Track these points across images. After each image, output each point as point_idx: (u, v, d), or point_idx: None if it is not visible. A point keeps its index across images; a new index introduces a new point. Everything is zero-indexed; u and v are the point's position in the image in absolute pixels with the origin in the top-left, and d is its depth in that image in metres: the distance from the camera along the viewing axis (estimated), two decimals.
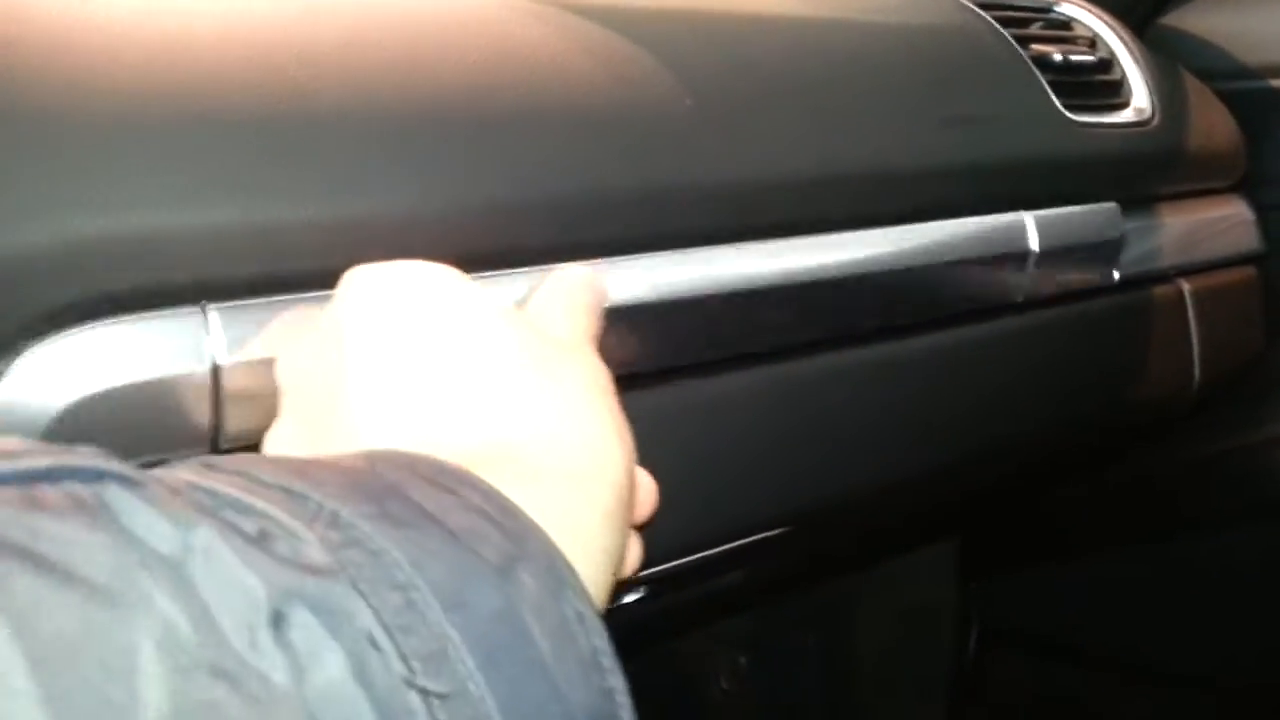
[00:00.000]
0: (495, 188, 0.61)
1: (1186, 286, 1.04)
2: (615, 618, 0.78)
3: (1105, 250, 0.95)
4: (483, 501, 0.33)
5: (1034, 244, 0.88)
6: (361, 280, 0.45)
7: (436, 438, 0.38)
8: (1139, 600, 1.34)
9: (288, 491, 0.30)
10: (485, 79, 0.64)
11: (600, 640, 0.32)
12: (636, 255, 0.67)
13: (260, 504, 0.29)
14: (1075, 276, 0.93)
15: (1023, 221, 0.88)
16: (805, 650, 1.60)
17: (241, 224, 0.54)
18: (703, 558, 0.76)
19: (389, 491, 0.31)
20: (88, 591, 0.24)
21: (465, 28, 0.66)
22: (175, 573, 0.25)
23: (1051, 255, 0.89)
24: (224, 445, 0.54)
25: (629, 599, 0.74)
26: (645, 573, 0.69)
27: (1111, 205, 0.95)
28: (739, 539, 0.77)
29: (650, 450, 0.68)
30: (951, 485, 1.06)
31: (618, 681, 0.31)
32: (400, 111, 0.60)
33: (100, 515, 0.26)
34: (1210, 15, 1.16)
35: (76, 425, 0.51)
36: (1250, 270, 1.12)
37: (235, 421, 0.54)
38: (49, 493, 0.25)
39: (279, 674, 0.25)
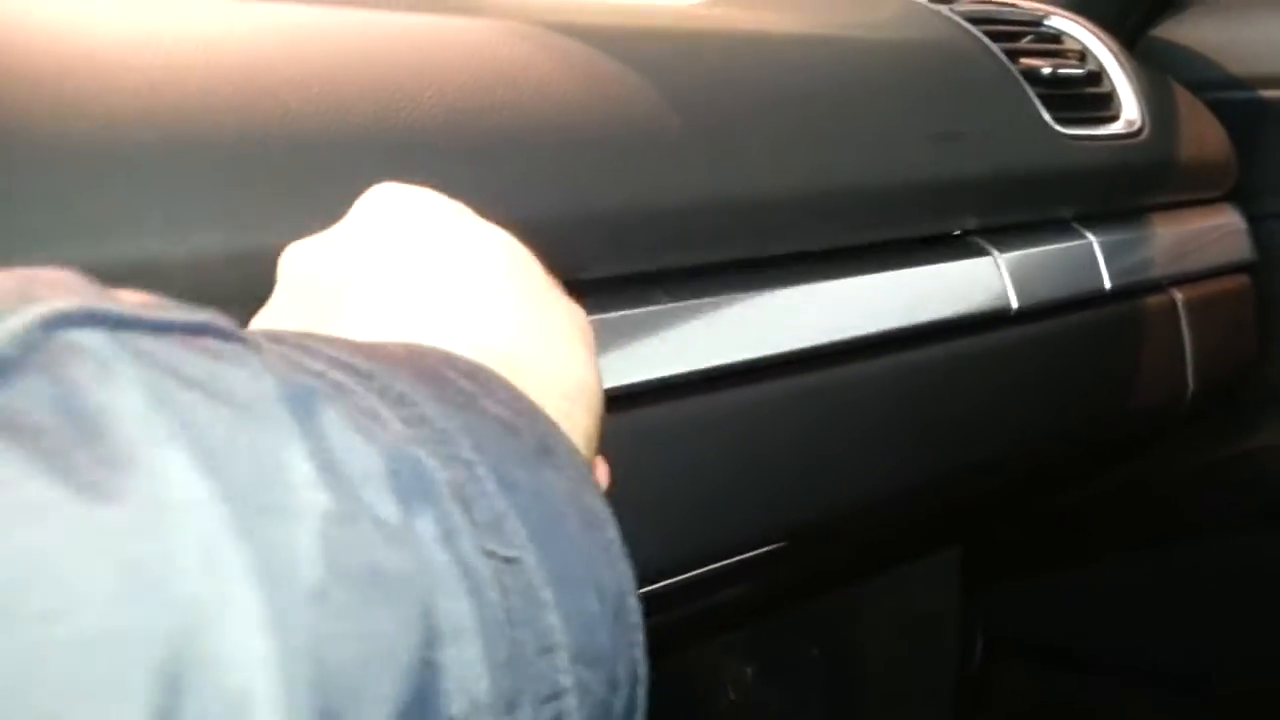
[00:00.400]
0: (481, 212, 0.62)
1: (1179, 296, 1.05)
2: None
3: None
4: (511, 399, 0.35)
5: (1013, 303, 0.89)
6: (383, 192, 0.46)
7: (443, 341, 0.40)
8: (1140, 606, 1.34)
9: (354, 369, 0.31)
10: (473, 101, 0.65)
11: (614, 533, 0.34)
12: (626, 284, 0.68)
13: (340, 376, 0.30)
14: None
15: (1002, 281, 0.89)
16: (810, 661, 1.60)
17: (226, 251, 0.55)
18: (704, 573, 0.77)
19: (440, 377, 0.34)
20: (258, 417, 0.26)
21: (453, 50, 0.67)
22: (310, 421, 0.27)
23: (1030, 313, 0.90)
24: None
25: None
26: (647, 588, 0.70)
27: (1087, 243, 0.96)
28: (739, 554, 0.78)
29: (650, 467, 0.69)
30: (950, 496, 1.06)
31: (628, 570, 0.34)
32: (388, 135, 0.61)
33: (247, 364, 0.28)
34: (1200, 27, 1.17)
35: None
36: (1243, 279, 1.12)
37: None
38: (208, 342, 0.27)
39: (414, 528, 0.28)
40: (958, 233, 0.90)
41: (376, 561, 0.26)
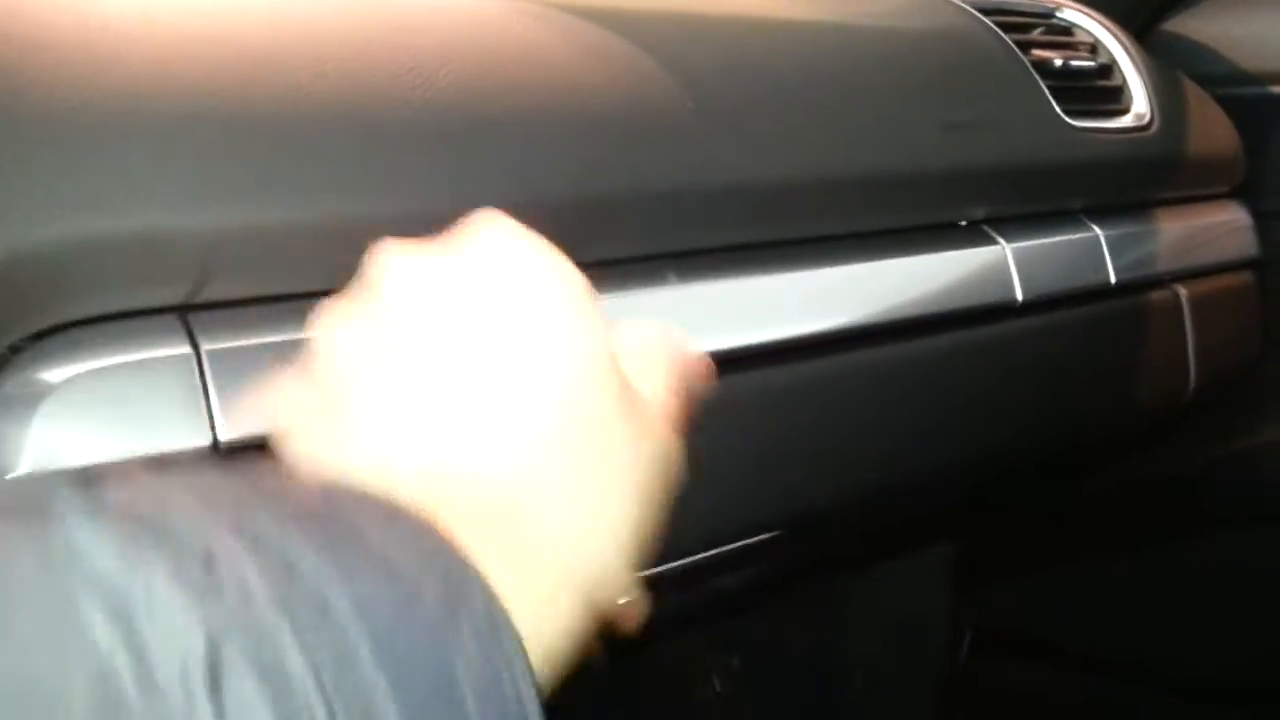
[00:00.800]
0: (494, 191, 0.61)
1: (1183, 292, 1.04)
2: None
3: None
4: (434, 546, 0.32)
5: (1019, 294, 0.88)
6: (407, 266, 0.40)
7: (448, 459, 0.36)
8: (1131, 604, 1.34)
9: (237, 516, 0.29)
10: (488, 81, 0.63)
11: (529, 692, 0.30)
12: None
13: (209, 528, 0.28)
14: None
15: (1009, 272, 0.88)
16: (797, 653, 1.60)
17: (240, 226, 0.54)
18: (698, 560, 0.76)
19: (342, 527, 0.31)
20: (28, 616, 0.24)
21: (469, 30, 0.66)
22: (118, 605, 0.25)
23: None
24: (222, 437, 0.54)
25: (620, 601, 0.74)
26: (642, 573, 0.69)
27: (1093, 235, 0.95)
28: (733, 542, 0.77)
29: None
30: (945, 489, 1.06)
31: None
32: (403, 114, 0.60)
33: (51, 541, 0.26)
34: (1211, 21, 1.16)
35: (74, 419, 0.51)
36: (1247, 276, 1.12)
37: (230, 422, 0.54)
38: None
39: None
40: (965, 222, 0.89)
41: None
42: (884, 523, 1.06)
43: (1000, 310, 0.89)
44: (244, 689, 0.25)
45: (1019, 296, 0.89)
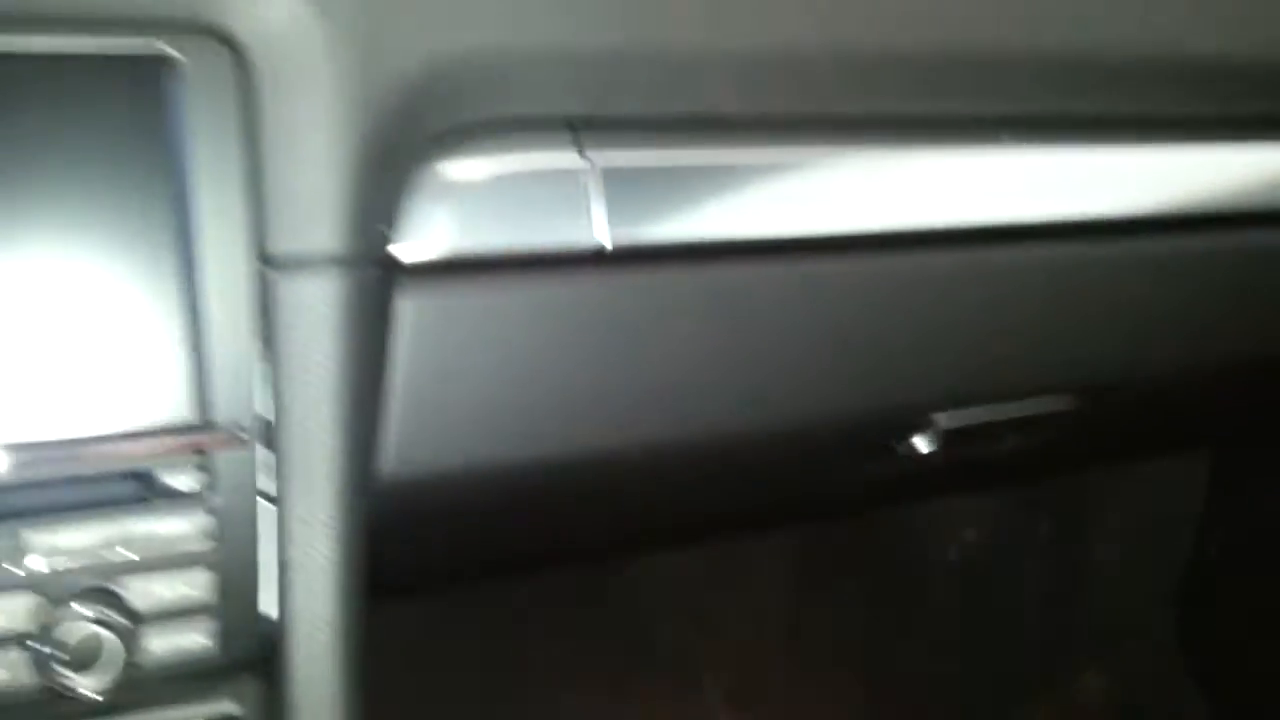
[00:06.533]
0: (853, 35, 0.65)
1: None
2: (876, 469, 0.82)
3: None
4: None
5: None
6: None
7: None
8: None
9: None
10: None
11: None
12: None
13: None
14: None
15: None
16: (1036, 535, 1.62)
17: (626, 51, 0.61)
18: (990, 420, 0.80)
19: None
20: None
21: None
22: None
23: None
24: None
25: (923, 446, 0.79)
26: (944, 420, 0.74)
27: None
28: (1029, 400, 0.81)
29: (969, 305, 0.72)
30: (1222, 387, 1.05)
31: None
32: None
33: None
34: None
35: (476, 207, 0.59)
36: None
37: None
38: None
39: None
40: None
41: None
42: (1157, 413, 1.07)
43: None
44: None
45: None
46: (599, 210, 0.61)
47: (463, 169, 0.59)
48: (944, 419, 0.76)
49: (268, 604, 0.55)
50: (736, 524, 1.04)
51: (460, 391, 0.60)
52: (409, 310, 0.58)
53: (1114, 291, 0.79)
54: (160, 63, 0.51)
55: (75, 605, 0.51)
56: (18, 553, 0.50)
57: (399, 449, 0.59)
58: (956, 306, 0.72)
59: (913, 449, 0.78)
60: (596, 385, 0.64)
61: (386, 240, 0.57)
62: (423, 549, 0.74)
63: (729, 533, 1.20)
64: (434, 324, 0.59)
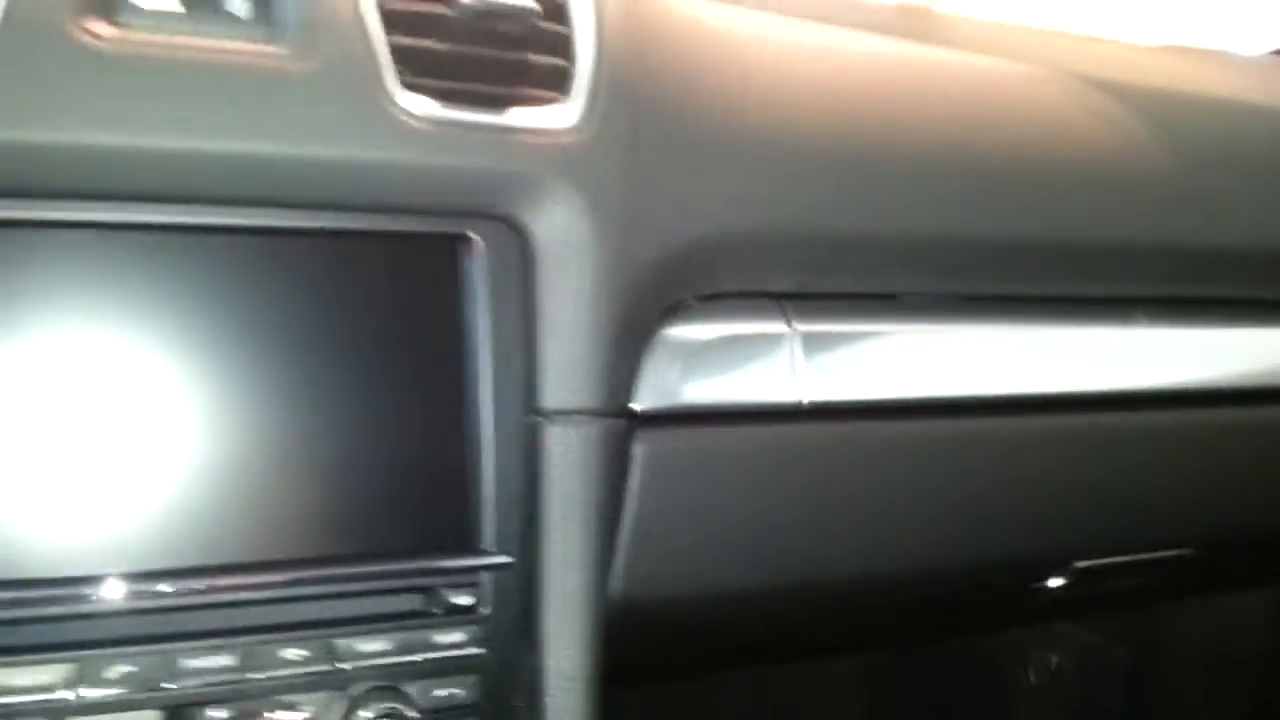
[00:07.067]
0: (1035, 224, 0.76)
1: None
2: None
3: None
4: None
5: None
6: None
7: None
8: None
9: None
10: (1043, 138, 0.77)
11: None
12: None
13: None
14: None
15: None
16: (1114, 661, 1.67)
17: (836, 233, 0.71)
18: (1102, 563, 0.88)
19: None
20: None
21: (1012, 93, 0.80)
22: None
23: None
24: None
25: (1054, 584, 0.87)
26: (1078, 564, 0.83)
27: None
28: (1143, 553, 0.89)
29: (1099, 468, 0.81)
30: None
31: None
32: (958, 155, 0.75)
33: None
34: None
35: (703, 365, 0.69)
36: None
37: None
38: None
39: None
40: None
41: None
42: (1268, 559, 1.15)
43: None
44: None
45: None
46: (799, 371, 0.71)
47: (689, 334, 0.69)
48: (1081, 562, 0.85)
49: (523, 701, 0.64)
50: (879, 642, 1.11)
51: (679, 523, 0.70)
52: (642, 454, 0.68)
53: (1234, 454, 0.88)
54: (461, 241, 0.62)
55: (372, 702, 0.60)
56: (329, 656, 0.59)
57: (627, 571, 0.68)
58: (1105, 465, 0.81)
59: (1045, 587, 0.87)
60: (792, 522, 0.73)
61: (628, 395, 0.67)
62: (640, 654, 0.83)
63: (870, 648, 1.28)
64: (661, 465, 0.69)
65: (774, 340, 0.71)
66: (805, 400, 0.71)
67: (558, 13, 0.64)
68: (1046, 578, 0.86)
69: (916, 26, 1.06)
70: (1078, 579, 0.87)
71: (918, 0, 1.39)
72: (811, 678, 1.50)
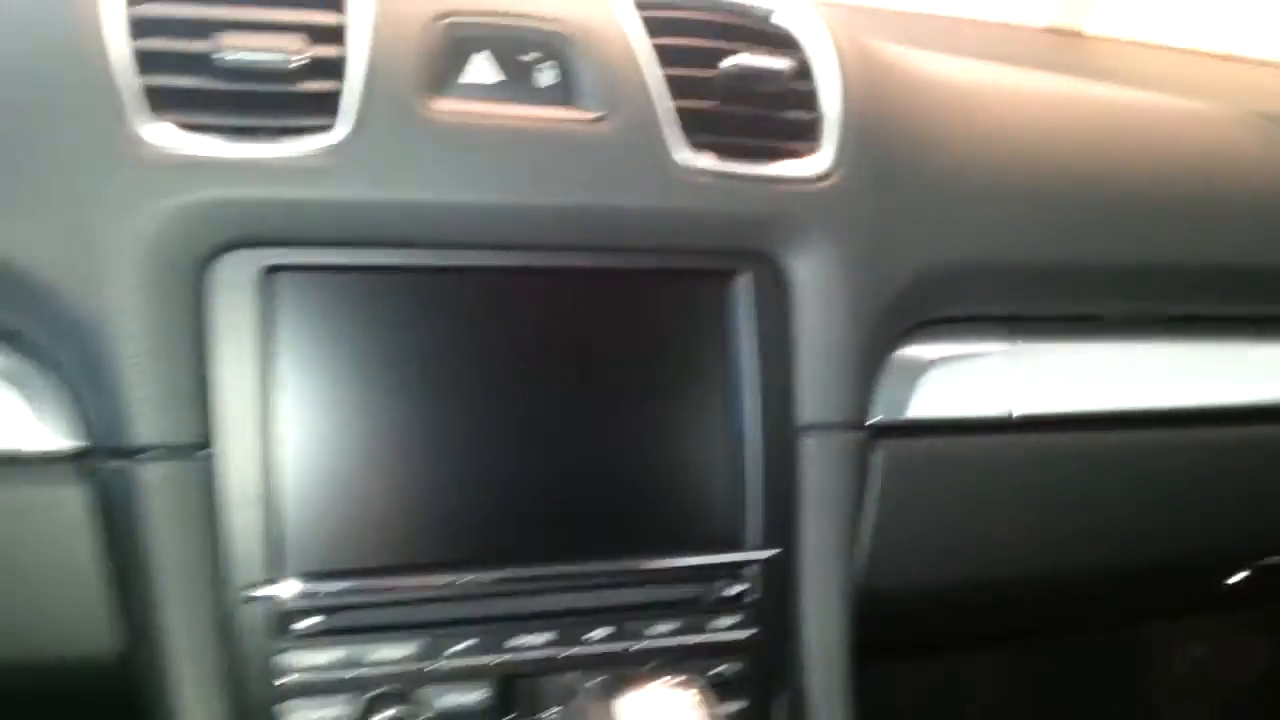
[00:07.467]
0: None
1: None
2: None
3: None
4: None
5: None
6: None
7: None
8: None
9: None
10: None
11: None
12: None
13: None
14: None
15: None
16: (1256, 652, 1.72)
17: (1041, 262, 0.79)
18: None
19: None
20: None
21: (1196, 130, 0.88)
22: None
23: None
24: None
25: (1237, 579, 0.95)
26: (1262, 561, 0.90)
27: None
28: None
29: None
30: None
31: None
32: (1149, 190, 0.83)
33: None
34: None
35: (932, 383, 0.78)
36: None
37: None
38: None
39: None
40: None
41: None
42: None
43: None
44: None
45: None
46: (1010, 387, 0.79)
47: (919, 354, 0.78)
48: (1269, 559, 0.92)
49: (790, 676, 0.73)
50: (1076, 628, 1.20)
51: (910, 522, 0.78)
52: (878, 462, 0.76)
53: None
54: (731, 277, 0.71)
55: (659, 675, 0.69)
56: (625, 637, 0.69)
57: (869, 563, 0.77)
58: None
59: (1230, 583, 0.94)
60: (1006, 521, 0.82)
61: (867, 410, 0.76)
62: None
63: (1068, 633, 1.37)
64: (894, 472, 0.77)
65: (990, 359, 0.79)
66: (1015, 413, 0.79)
67: (806, 71, 0.73)
68: (1234, 573, 0.94)
69: (1079, 55, 1.13)
70: (1262, 575, 0.94)
71: (1067, 21, 1.45)
72: (961, 659, 1.57)
